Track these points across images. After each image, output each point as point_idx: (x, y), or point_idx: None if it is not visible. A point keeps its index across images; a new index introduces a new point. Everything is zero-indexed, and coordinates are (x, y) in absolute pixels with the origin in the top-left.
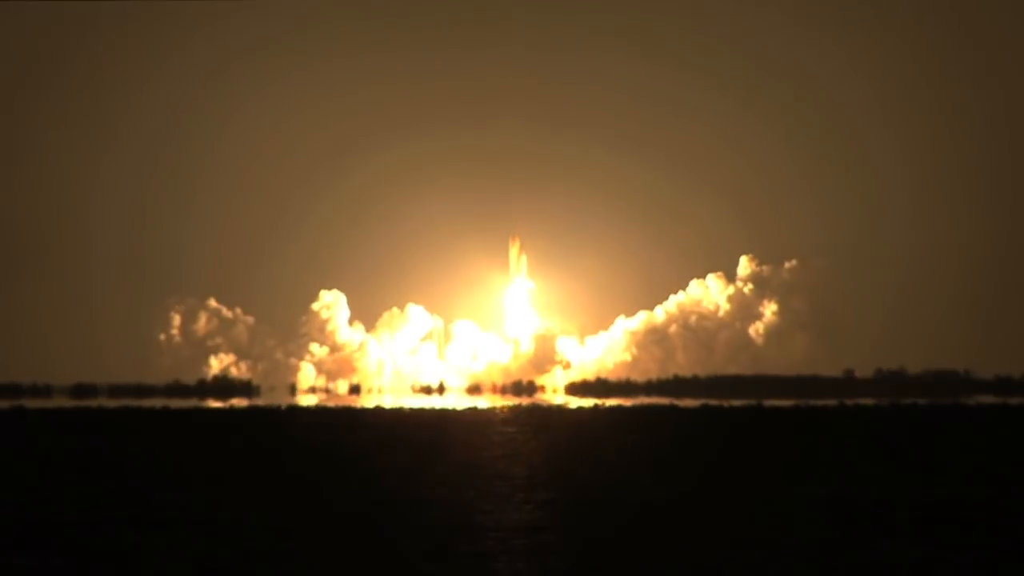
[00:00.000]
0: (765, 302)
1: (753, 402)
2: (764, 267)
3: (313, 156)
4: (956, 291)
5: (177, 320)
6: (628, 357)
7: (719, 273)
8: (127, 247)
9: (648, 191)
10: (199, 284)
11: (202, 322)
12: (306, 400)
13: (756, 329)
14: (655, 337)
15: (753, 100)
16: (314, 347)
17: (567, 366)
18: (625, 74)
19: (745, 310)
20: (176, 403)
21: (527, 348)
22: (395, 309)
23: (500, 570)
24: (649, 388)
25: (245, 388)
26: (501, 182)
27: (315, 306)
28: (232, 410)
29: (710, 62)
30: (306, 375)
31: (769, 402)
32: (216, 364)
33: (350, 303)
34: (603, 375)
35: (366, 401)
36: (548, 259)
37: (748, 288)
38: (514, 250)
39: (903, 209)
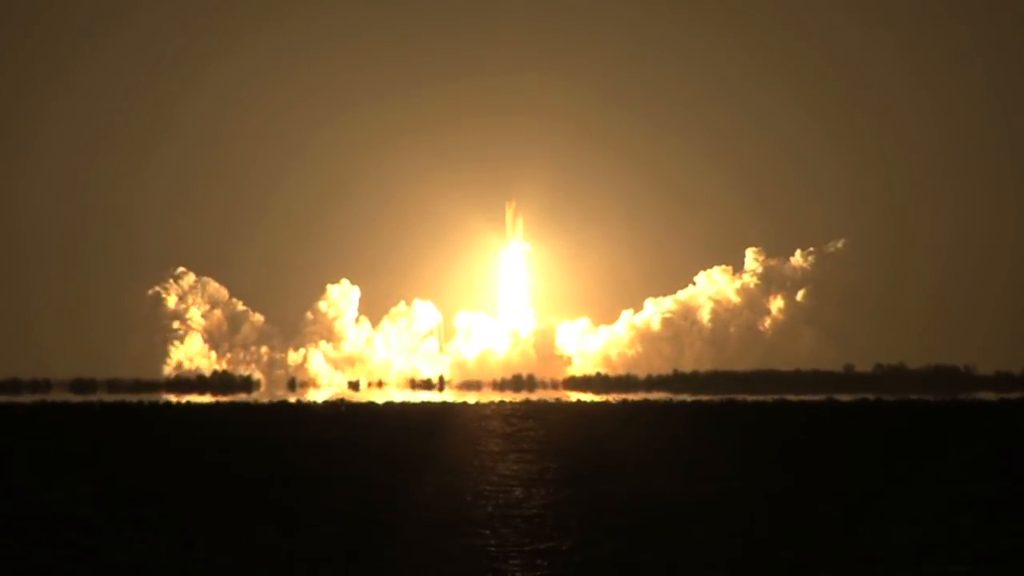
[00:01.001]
0: (771, 297)
1: (777, 397)
2: (771, 260)
3: (298, 130)
4: (957, 286)
5: (188, 313)
6: (630, 352)
7: (726, 266)
8: (127, 239)
9: (655, 169)
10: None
11: (211, 318)
12: (310, 395)
13: (763, 324)
14: (659, 332)
15: (760, 92)
16: (321, 343)
17: (568, 362)
18: (635, 40)
19: (752, 305)
20: (177, 399)
21: (527, 336)
22: (402, 303)
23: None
24: (650, 383)
25: (245, 384)
26: (497, 147)
27: (322, 304)
28: (241, 405)
29: (720, 49)
30: (317, 371)
31: (793, 398)
32: (225, 361)
33: (349, 296)
34: (604, 369)
35: (366, 396)
36: (544, 222)
37: (755, 282)
38: (510, 212)
39: (904, 205)
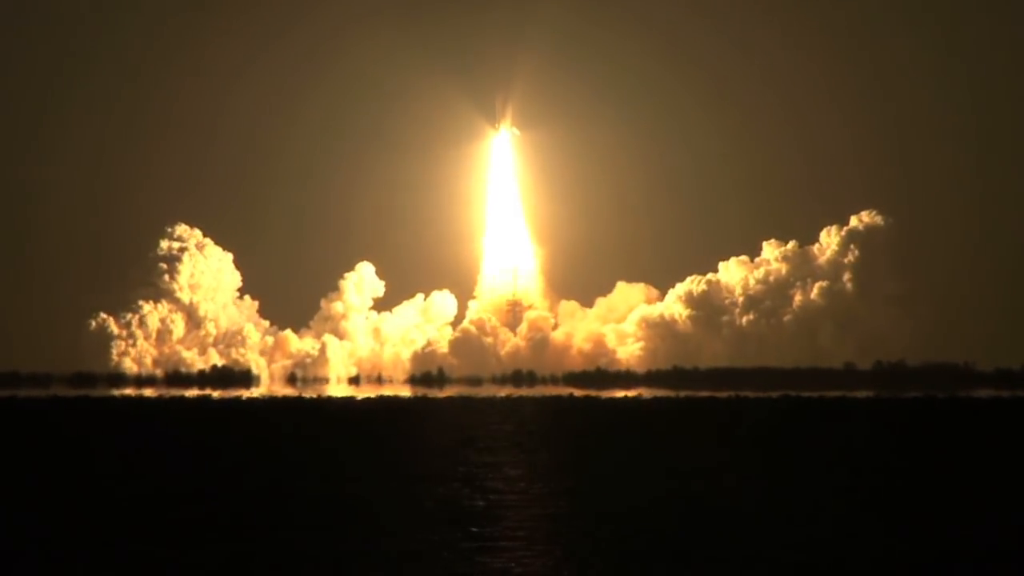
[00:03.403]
0: (789, 291)
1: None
2: (790, 250)
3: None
4: (956, 282)
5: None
6: (637, 345)
7: (743, 258)
8: (127, 229)
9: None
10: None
11: (219, 313)
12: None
13: (776, 317)
14: (665, 326)
15: (770, 81)
16: (331, 336)
17: (571, 353)
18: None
19: (765, 298)
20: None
21: (529, 317)
22: (420, 296)
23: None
24: (650, 379)
25: (245, 377)
26: (486, 36)
27: (337, 304)
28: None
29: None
30: (330, 361)
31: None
32: (232, 354)
33: (366, 286)
34: (604, 364)
35: (367, 390)
36: (534, 109)
37: (771, 276)
38: (499, 100)
39: (905, 202)
